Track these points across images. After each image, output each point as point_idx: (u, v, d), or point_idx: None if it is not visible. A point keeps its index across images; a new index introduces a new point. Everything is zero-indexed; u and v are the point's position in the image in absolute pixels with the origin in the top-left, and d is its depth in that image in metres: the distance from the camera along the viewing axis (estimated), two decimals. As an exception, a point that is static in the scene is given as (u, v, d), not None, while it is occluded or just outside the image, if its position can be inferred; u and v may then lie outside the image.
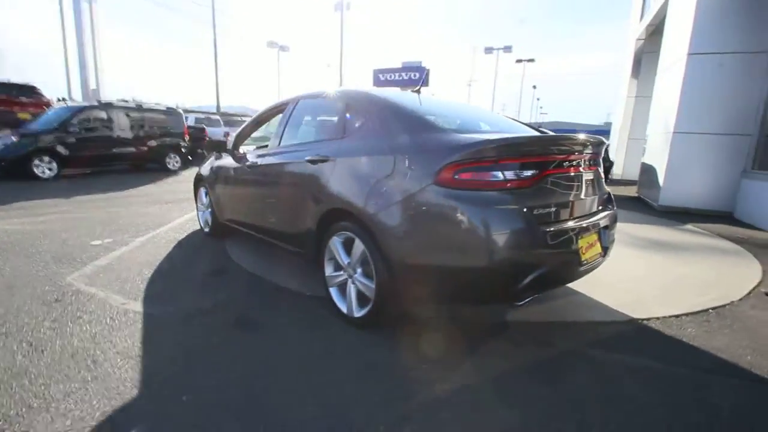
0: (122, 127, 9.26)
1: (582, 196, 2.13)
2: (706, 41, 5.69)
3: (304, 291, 2.77)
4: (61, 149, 8.14)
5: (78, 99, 14.36)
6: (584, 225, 2.06)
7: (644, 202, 7.21)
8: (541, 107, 62.34)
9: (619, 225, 2.70)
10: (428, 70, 26.15)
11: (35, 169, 7.81)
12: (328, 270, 2.43)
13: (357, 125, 2.34)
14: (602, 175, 2.47)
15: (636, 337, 2.27)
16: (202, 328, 2.25)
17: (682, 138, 6.04)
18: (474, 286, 1.85)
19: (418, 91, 2.88)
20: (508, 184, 1.80)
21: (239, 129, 3.67)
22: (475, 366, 1.92)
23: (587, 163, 2.21)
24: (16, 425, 1.45)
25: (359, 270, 2.20)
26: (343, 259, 2.28)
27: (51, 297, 2.55)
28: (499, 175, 1.80)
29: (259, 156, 3.14)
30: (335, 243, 2.33)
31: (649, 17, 9.17)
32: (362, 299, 2.21)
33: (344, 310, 2.31)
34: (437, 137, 1.97)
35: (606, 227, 2.28)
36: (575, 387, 1.78)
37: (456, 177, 1.80)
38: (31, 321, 2.23)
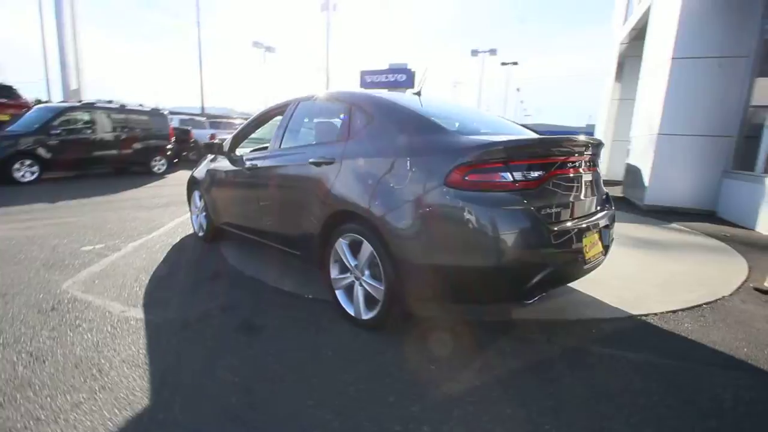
0: (105, 129, 9.03)
1: (584, 196, 2.18)
2: (689, 46, 5.89)
3: (305, 294, 2.76)
4: (42, 152, 7.90)
5: (57, 100, 13.95)
6: (587, 224, 2.11)
7: (629, 201, 7.39)
8: (524, 109, 63.33)
9: (610, 224, 2.76)
10: (414, 72, 26.30)
11: (15, 173, 7.55)
12: (334, 272, 2.42)
13: (362, 127, 2.35)
14: (600, 175, 2.53)
15: (637, 333, 2.33)
16: (207, 333, 2.22)
17: (666, 139, 6.23)
18: (485, 286, 1.88)
19: (419, 93, 2.90)
20: (517, 185, 1.83)
21: (236, 131, 3.62)
22: (484, 365, 1.95)
23: (587, 163, 2.26)
24: (25, 438, 1.41)
25: (367, 272, 2.20)
26: (350, 261, 2.28)
27: (47, 305, 2.47)
28: (508, 176, 1.83)
29: (259, 158, 3.12)
30: (341, 245, 2.32)
31: (631, 23, 9.42)
32: (370, 301, 2.22)
33: (351, 312, 2.31)
34: (446, 139, 1.99)
35: (606, 226, 2.34)
36: (584, 383, 1.81)
37: (466, 178, 1.83)
38: (29, 330, 2.16)
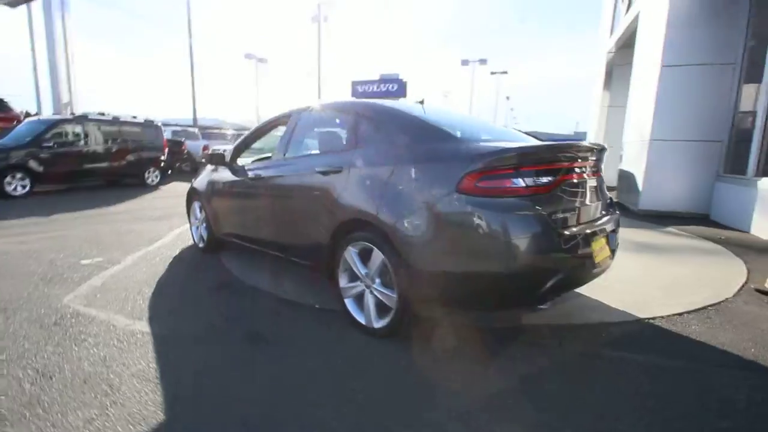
0: (98, 141, 8.95)
1: (591, 201, 2.21)
2: (678, 54, 6.05)
3: (313, 303, 2.73)
4: (34, 165, 7.79)
5: (47, 113, 13.80)
6: (596, 229, 2.13)
7: (624, 206, 7.49)
8: (514, 118, 64.15)
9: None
10: (406, 81, 26.56)
11: (7, 187, 7.42)
12: (343, 281, 2.41)
13: (370, 136, 2.36)
14: (604, 180, 2.57)
15: (646, 336, 2.35)
16: (217, 345, 2.18)
17: (659, 145, 6.35)
18: (500, 291, 1.88)
19: (422, 102, 2.93)
20: (529, 191, 1.85)
21: (237, 141, 3.62)
22: (499, 371, 1.94)
23: (592, 168, 2.30)
24: (38, 457, 1.36)
25: (378, 280, 2.20)
26: (360, 270, 2.27)
27: (49, 320, 2.42)
28: (520, 181, 1.85)
29: (263, 168, 3.11)
30: (351, 254, 2.31)
31: (618, 33, 9.66)
32: (381, 309, 2.21)
33: (362, 321, 2.29)
34: (456, 146, 2.01)
35: (613, 231, 2.36)
36: (599, 387, 1.82)
37: (478, 185, 1.84)
38: (32, 346, 2.11)
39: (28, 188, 7.72)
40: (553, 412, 1.64)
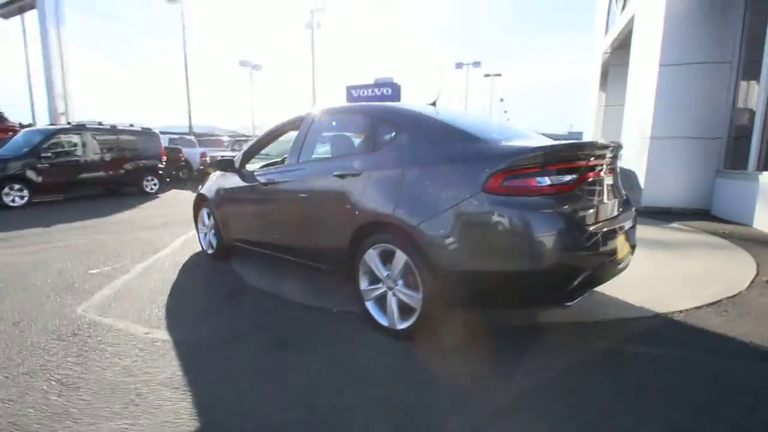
0: (96, 151, 8.88)
1: (611, 198, 2.23)
2: (676, 53, 6.13)
3: (331, 307, 2.72)
4: (32, 175, 7.71)
5: (42, 123, 13.68)
6: (616, 226, 2.14)
7: (625, 204, 7.55)
8: (508, 119, 64.46)
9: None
10: (400, 85, 26.64)
11: (5, 198, 7.33)
12: (364, 284, 2.40)
13: (390, 139, 2.36)
14: (619, 177, 2.59)
15: (667, 330, 2.36)
16: (241, 352, 2.16)
17: (659, 142, 6.42)
18: (528, 289, 1.89)
19: (434, 104, 2.94)
20: (554, 189, 1.86)
21: (246, 146, 3.60)
22: (527, 371, 1.93)
23: (609, 167, 2.32)
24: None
25: (400, 281, 2.19)
26: (382, 272, 2.26)
27: (66, 331, 2.38)
28: (546, 180, 1.86)
29: (276, 173, 3.10)
30: (371, 256, 2.31)
31: (613, 33, 9.77)
32: (404, 311, 2.20)
33: (385, 323, 2.28)
34: (480, 147, 2.02)
35: (631, 227, 2.38)
36: (629, 382, 1.82)
37: (504, 184, 1.85)
38: (52, 358, 2.08)
39: (26, 199, 7.63)
40: (592, 409, 1.64)
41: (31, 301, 2.86)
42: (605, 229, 2.02)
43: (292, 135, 3.22)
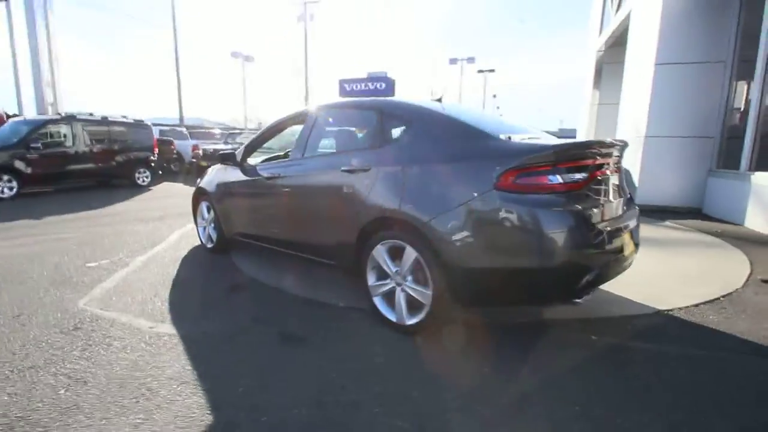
0: (87, 142, 8.71)
1: (617, 196, 2.26)
2: (671, 53, 6.20)
3: (336, 302, 2.72)
4: (21, 166, 7.54)
5: (29, 114, 13.33)
6: (623, 223, 2.18)
7: (618, 202, 7.65)
8: (501, 115, 64.65)
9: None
10: (394, 80, 26.53)
11: (-7, 189, 7.17)
12: (371, 279, 2.40)
13: (399, 134, 2.36)
14: (624, 176, 2.63)
15: (668, 327, 2.41)
16: (247, 346, 2.15)
17: (653, 141, 6.51)
18: (539, 286, 1.91)
19: (440, 99, 2.94)
20: (565, 187, 1.88)
21: (249, 140, 3.57)
22: (534, 367, 1.96)
23: (615, 165, 2.35)
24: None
25: (410, 277, 2.20)
26: (391, 268, 2.27)
27: (68, 324, 2.35)
28: (557, 178, 1.87)
29: (281, 167, 3.07)
30: (380, 252, 2.31)
31: (608, 32, 9.84)
32: (413, 306, 2.21)
33: (393, 318, 2.29)
34: (492, 144, 2.03)
35: (636, 225, 2.42)
36: (634, 378, 1.86)
37: (516, 181, 1.86)
38: (58, 352, 2.05)
39: (15, 190, 7.47)
40: (598, 406, 1.67)
41: (30, 294, 2.81)
42: (613, 228, 2.05)
43: (296, 129, 3.20)
